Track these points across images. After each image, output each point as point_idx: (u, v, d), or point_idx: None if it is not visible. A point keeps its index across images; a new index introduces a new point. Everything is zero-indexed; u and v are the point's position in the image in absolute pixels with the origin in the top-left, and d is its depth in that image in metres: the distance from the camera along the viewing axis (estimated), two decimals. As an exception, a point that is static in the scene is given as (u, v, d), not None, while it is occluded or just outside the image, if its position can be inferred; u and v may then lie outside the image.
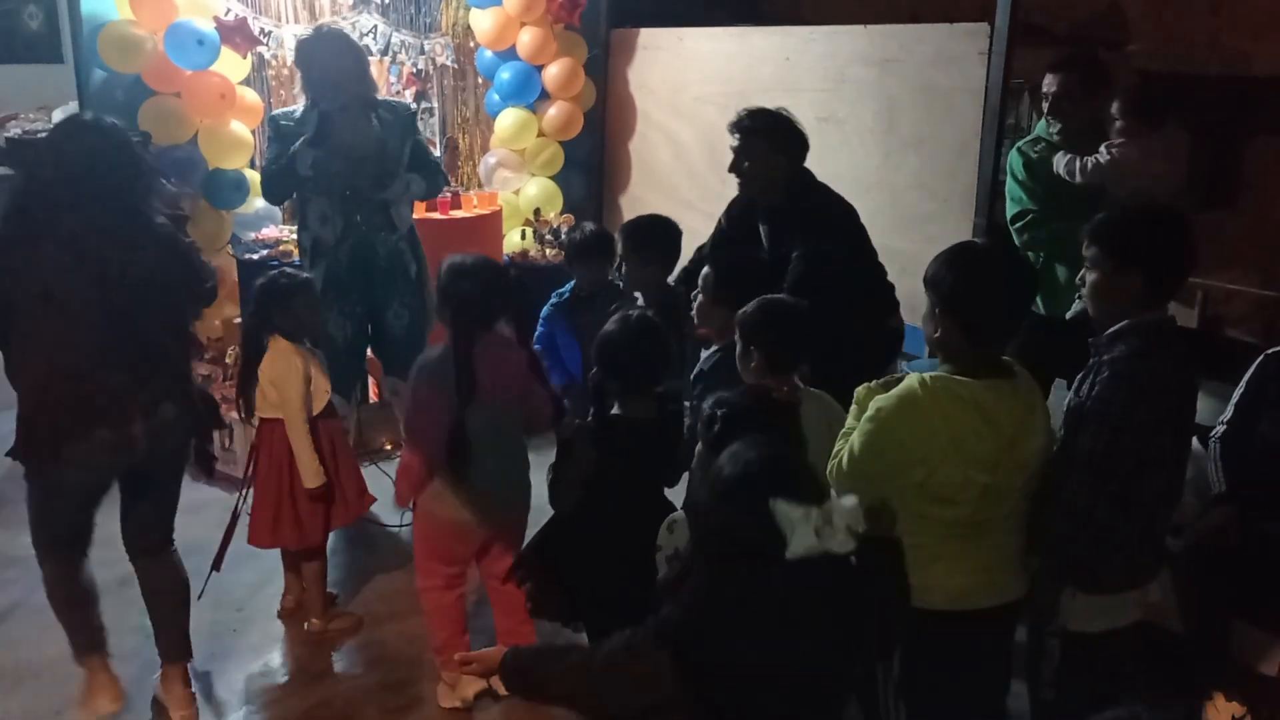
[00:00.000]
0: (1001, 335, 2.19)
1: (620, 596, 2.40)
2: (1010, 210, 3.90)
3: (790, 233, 3.24)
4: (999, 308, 2.15)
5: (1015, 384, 2.17)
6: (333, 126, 3.82)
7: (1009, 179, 3.93)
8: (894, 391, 2.15)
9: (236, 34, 4.69)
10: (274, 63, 5.17)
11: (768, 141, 3.28)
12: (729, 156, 3.39)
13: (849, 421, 2.28)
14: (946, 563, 2.18)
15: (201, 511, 3.94)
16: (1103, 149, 3.71)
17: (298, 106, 4.01)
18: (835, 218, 3.31)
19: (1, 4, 10.06)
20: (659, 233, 3.56)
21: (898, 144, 4.50)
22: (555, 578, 2.73)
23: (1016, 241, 3.82)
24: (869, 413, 2.16)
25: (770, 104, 4.68)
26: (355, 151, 3.86)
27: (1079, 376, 2.31)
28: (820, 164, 4.85)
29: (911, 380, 2.14)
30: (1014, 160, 3.89)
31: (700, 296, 2.93)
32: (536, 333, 3.78)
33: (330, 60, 3.84)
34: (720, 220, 3.78)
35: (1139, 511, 2.27)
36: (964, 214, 4.30)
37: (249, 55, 4.86)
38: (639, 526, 2.46)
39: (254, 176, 4.99)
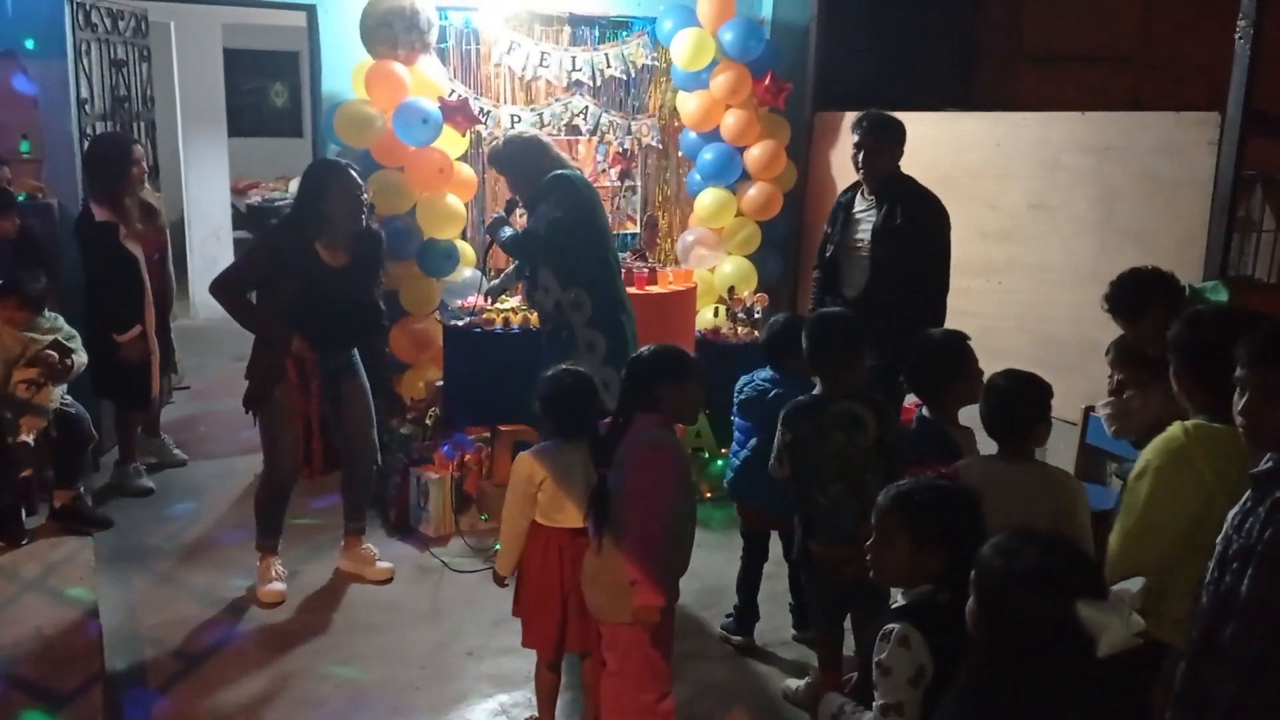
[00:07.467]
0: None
1: None
2: None
3: (902, 205, 4.00)
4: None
5: None
6: None
7: None
8: (1157, 444, 2.32)
9: (458, 113, 4.96)
10: (489, 140, 5.44)
11: (895, 135, 4.01)
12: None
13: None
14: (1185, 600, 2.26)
15: (399, 566, 4.16)
16: None
17: None
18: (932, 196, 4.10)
19: (253, 83, 11.14)
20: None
21: (1115, 234, 4.30)
22: None
23: None
24: (1138, 469, 2.31)
25: (979, 190, 4.55)
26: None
27: (1234, 513, 1.98)
28: (1029, 251, 4.67)
29: (1175, 430, 2.31)
30: None
31: None
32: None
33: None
34: (826, 229, 4.28)
35: None
36: (1187, 310, 4.03)
37: (467, 133, 5.13)
38: None
39: (464, 247, 5.24)
